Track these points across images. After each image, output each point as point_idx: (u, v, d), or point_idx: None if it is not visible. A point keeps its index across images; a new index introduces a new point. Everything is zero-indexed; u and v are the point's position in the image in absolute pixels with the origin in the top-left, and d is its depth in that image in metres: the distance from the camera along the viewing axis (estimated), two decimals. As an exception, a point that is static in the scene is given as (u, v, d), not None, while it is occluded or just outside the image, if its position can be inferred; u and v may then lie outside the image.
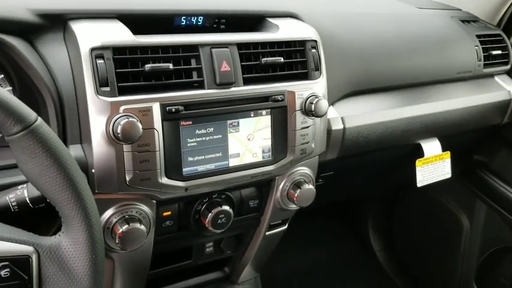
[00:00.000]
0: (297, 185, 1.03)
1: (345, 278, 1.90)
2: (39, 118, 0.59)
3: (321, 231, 2.01)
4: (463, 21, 1.46)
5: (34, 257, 0.60)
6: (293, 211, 1.11)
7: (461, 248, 1.73)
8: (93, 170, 0.79)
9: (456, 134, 1.38)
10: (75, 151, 0.81)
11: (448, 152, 1.36)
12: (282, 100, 0.93)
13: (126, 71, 0.80)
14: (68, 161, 0.60)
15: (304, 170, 1.05)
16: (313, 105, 0.95)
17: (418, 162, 1.30)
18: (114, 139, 0.77)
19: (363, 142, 1.14)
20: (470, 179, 1.65)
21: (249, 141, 0.93)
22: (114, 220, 0.84)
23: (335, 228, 2.10)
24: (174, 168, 0.84)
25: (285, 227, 1.16)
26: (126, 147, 0.79)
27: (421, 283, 1.90)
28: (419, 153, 1.31)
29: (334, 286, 1.85)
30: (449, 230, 1.76)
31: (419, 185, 1.31)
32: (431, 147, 1.32)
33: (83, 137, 0.81)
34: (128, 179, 0.81)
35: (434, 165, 1.33)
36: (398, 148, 1.29)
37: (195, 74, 0.86)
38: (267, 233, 1.12)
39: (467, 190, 1.66)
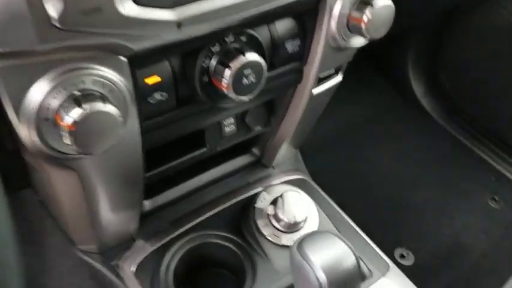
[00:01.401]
0: (364, 1, 0.60)
1: (387, 130, 1.58)
2: None
3: (352, 82, 1.62)
4: None
5: None
6: (353, 50, 0.70)
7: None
8: None
9: None
10: None
11: None
12: None
13: None
14: None
15: (371, -25, 0.61)
16: None
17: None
18: None
19: None
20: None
21: None
22: (54, 103, 0.44)
23: (367, 76, 1.71)
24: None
25: (340, 78, 0.76)
26: None
27: (476, 124, 1.57)
28: None
29: (374, 144, 1.54)
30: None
31: None
32: None
33: None
34: (53, 14, 0.39)
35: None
36: None
37: None
38: (314, 91, 0.73)
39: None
